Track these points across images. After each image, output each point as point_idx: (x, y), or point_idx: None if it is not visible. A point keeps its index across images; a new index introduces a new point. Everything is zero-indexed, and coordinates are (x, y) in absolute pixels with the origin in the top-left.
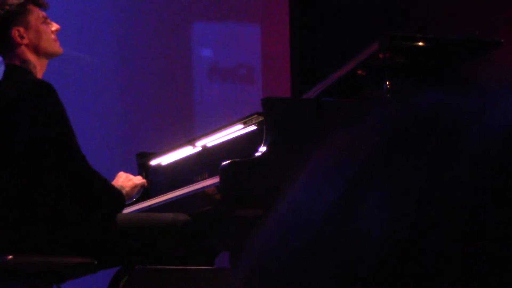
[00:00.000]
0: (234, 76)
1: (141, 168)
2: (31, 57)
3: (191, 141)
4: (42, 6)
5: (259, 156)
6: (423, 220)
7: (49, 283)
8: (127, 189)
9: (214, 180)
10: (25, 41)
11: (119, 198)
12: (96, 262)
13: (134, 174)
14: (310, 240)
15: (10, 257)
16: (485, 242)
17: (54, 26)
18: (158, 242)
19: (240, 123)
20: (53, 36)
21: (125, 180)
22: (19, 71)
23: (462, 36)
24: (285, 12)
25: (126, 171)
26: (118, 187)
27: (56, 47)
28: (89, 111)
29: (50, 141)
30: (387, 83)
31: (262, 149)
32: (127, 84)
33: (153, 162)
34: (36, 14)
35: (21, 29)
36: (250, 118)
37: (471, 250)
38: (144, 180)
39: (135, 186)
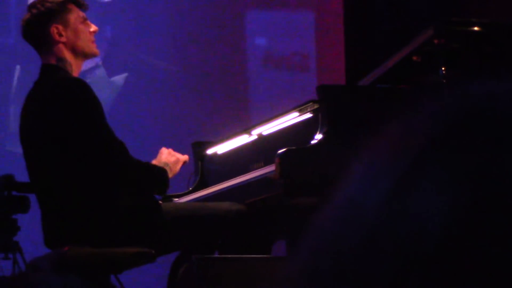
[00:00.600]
0: (288, 64)
1: (197, 157)
2: (67, 55)
3: (247, 130)
4: (82, 7)
5: (314, 144)
6: (479, 211)
7: (107, 274)
8: (170, 164)
9: (270, 168)
10: (63, 39)
11: (163, 176)
12: (153, 252)
13: (190, 163)
14: (366, 232)
15: (67, 248)
16: None
17: (93, 27)
18: (214, 231)
19: (296, 111)
20: (91, 37)
21: (168, 156)
22: (55, 70)
23: None
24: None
25: None
26: (161, 163)
27: (93, 48)
28: (146, 102)
29: (88, 134)
30: (443, 69)
31: (318, 136)
32: (183, 75)
33: (209, 151)
34: (76, 14)
35: (60, 27)
36: (305, 106)
37: None
38: (186, 156)
39: (178, 161)
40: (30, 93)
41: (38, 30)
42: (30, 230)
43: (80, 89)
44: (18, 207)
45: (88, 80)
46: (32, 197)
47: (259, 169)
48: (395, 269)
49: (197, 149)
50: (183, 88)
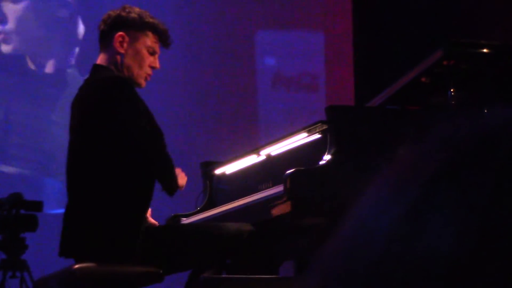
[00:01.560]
0: (297, 84)
1: (206, 177)
2: (118, 66)
3: (255, 150)
4: (163, 42)
5: (323, 165)
6: (489, 237)
7: None
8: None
9: (279, 188)
10: (122, 50)
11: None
12: (161, 271)
13: (199, 183)
14: (377, 256)
15: (76, 266)
16: None
17: (155, 63)
18: (224, 251)
19: (304, 132)
20: (147, 70)
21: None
22: (103, 70)
23: None
24: (348, 20)
25: (191, 180)
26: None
27: (141, 79)
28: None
29: (125, 132)
30: (452, 90)
31: (327, 157)
32: (192, 93)
33: (218, 171)
34: (149, 41)
35: (126, 39)
36: (314, 126)
37: None
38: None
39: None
40: (79, 90)
41: (108, 28)
42: (38, 249)
43: (121, 87)
44: (26, 226)
45: None
46: (40, 216)
47: (267, 190)
48: None
49: (205, 169)
50: (192, 108)
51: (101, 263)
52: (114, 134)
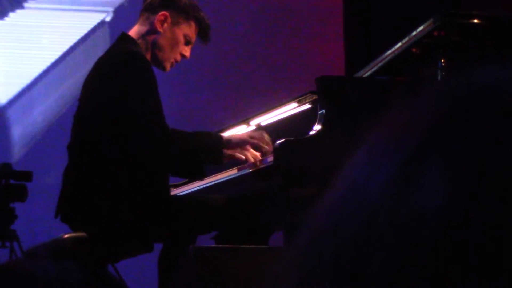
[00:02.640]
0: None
1: None
2: (148, 43)
3: (245, 120)
4: (203, 37)
5: (313, 135)
6: (480, 196)
7: (105, 262)
8: (236, 139)
9: (268, 158)
10: (160, 29)
11: (203, 144)
12: (151, 242)
13: None
14: (367, 216)
15: (66, 235)
16: None
17: (187, 52)
18: (211, 222)
19: (294, 102)
20: (176, 56)
21: (251, 135)
22: (129, 41)
23: None
24: None
25: None
26: (234, 136)
27: (167, 64)
28: None
29: (131, 106)
30: (442, 61)
31: (317, 127)
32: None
33: None
34: (188, 30)
35: (169, 20)
36: (304, 96)
37: None
38: (267, 148)
39: (243, 141)
40: (100, 57)
41: (156, 3)
42: (27, 219)
43: (139, 64)
44: (16, 196)
45: None
46: (30, 186)
47: (258, 160)
48: (395, 255)
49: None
50: (181, 78)
51: (90, 233)
52: (119, 106)
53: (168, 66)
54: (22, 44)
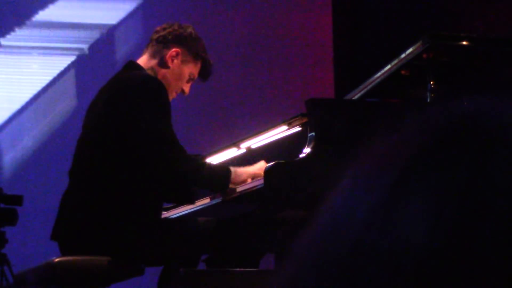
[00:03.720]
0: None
1: None
2: (154, 74)
3: (235, 143)
4: (204, 77)
5: (303, 158)
6: (464, 226)
7: (95, 287)
8: (244, 173)
9: (259, 182)
10: (170, 64)
11: (217, 176)
12: (142, 266)
13: None
14: (351, 246)
15: (57, 259)
16: None
17: (187, 88)
18: (203, 245)
19: (284, 125)
20: (177, 91)
21: (256, 168)
22: (138, 68)
23: (507, 34)
24: (328, 13)
25: None
26: (242, 169)
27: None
28: None
29: (148, 131)
30: (431, 83)
31: (306, 150)
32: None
33: None
34: (193, 69)
35: (179, 58)
36: (294, 119)
37: None
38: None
39: (251, 175)
40: (108, 82)
41: (170, 38)
42: (18, 243)
43: (157, 87)
44: (6, 220)
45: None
46: (20, 210)
47: (248, 183)
48: (379, 283)
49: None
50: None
51: (82, 257)
52: (136, 129)
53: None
54: (12, 69)
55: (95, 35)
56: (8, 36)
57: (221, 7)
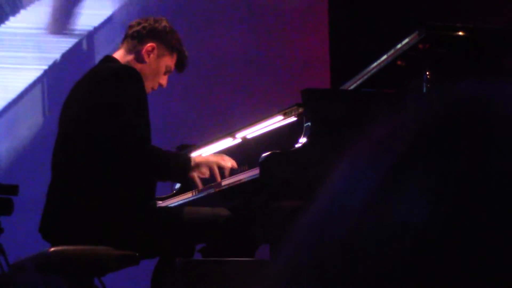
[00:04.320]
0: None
1: None
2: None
3: (231, 133)
4: (179, 68)
5: (299, 148)
6: (461, 211)
7: (90, 276)
8: (202, 160)
9: (254, 171)
10: (146, 59)
11: (174, 163)
12: (137, 254)
13: None
14: (350, 229)
15: (52, 249)
16: None
17: (164, 81)
18: (199, 235)
19: (280, 115)
20: (154, 85)
21: (214, 156)
22: (115, 61)
23: (502, 25)
24: (325, 4)
25: None
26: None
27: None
28: None
29: (121, 123)
30: (427, 73)
31: (302, 140)
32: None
33: (194, 154)
34: (170, 61)
35: (155, 52)
36: (290, 109)
37: (508, 241)
38: (228, 165)
39: (213, 161)
40: (83, 75)
41: (144, 33)
42: (14, 232)
43: (133, 76)
44: (2, 210)
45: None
46: (16, 200)
47: (244, 172)
48: (377, 267)
49: (182, 152)
50: (168, 91)
51: (77, 246)
52: (109, 123)
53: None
54: (7, 58)
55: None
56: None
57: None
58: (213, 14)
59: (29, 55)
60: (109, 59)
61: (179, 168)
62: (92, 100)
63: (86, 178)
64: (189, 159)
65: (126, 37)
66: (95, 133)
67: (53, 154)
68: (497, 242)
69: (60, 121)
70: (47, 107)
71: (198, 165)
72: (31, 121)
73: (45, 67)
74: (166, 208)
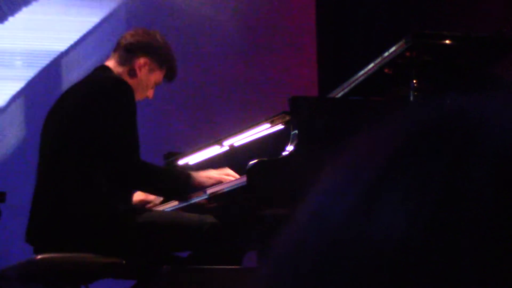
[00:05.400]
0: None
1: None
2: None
3: (218, 141)
4: (168, 78)
5: (286, 156)
6: (442, 222)
7: (77, 284)
8: (203, 177)
9: (242, 179)
10: (138, 73)
11: (176, 181)
12: (124, 262)
13: None
14: (330, 242)
15: (39, 257)
16: (504, 244)
17: (151, 95)
18: (185, 242)
19: (267, 122)
20: (141, 98)
21: (216, 173)
22: (108, 71)
23: (490, 33)
24: (312, 10)
25: None
26: (201, 174)
27: None
28: None
29: (110, 132)
30: (414, 81)
31: (289, 148)
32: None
33: (181, 162)
34: (159, 76)
35: (147, 67)
36: (277, 117)
37: (489, 252)
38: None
39: (212, 178)
40: (77, 82)
41: (137, 46)
42: (1, 239)
43: (126, 90)
44: None
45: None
46: (3, 207)
47: (231, 181)
48: (355, 281)
49: (169, 160)
50: (155, 98)
51: (63, 254)
52: (98, 132)
53: None
54: None
55: None
56: None
57: (205, 5)
58: (200, 19)
59: (18, 61)
60: (103, 68)
61: (179, 185)
62: (82, 108)
63: (72, 185)
64: (189, 176)
65: (118, 46)
66: (83, 140)
67: (39, 158)
68: (478, 253)
69: (46, 126)
70: (33, 115)
71: (201, 184)
72: (18, 129)
73: (32, 74)
74: (152, 212)
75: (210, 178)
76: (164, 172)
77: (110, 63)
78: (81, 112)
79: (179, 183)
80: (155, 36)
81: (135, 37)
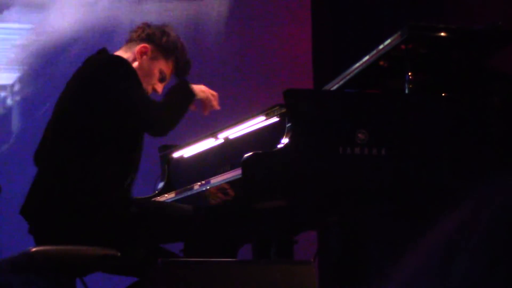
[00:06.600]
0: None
1: (164, 160)
2: None
3: (213, 133)
4: (177, 74)
5: (281, 148)
6: None
7: (72, 276)
8: (196, 88)
9: (236, 172)
10: (138, 59)
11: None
12: (118, 254)
13: (157, 167)
14: None
15: (34, 249)
16: None
17: (159, 88)
18: (179, 233)
19: (262, 115)
20: (148, 88)
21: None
22: (104, 52)
23: (485, 26)
24: (307, 3)
25: (149, 163)
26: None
27: None
28: None
29: (124, 100)
30: (409, 74)
31: (284, 140)
32: None
33: (176, 155)
34: (165, 67)
35: (149, 54)
36: (272, 109)
37: None
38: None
39: (205, 92)
40: (80, 66)
41: (142, 36)
42: None
43: (125, 64)
44: None
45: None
46: None
47: (226, 173)
48: None
49: (163, 152)
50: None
51: (59, 246)
52: (102, 112)
53: None
54: None
55: None
56: None
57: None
58: (198, 16)
59: (12, 54)
60: (105, 51)
61: (184, 94)
62: (87, 88)
63: (69, 174)
64: (185, 82)
65: (128, 40)
66: (91, 123)
67: (41, 143)
68: None
69: (55, 109)
70: (28, 108)
71: (193, 91)
72: (14, 123)
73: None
74: (147, 203)
75: (203, 91)
76: (170, 98)
77: (117, 52)
78: (84, 92)
79: (184, 93)
80: (163, 27)
81: (141, 28)
